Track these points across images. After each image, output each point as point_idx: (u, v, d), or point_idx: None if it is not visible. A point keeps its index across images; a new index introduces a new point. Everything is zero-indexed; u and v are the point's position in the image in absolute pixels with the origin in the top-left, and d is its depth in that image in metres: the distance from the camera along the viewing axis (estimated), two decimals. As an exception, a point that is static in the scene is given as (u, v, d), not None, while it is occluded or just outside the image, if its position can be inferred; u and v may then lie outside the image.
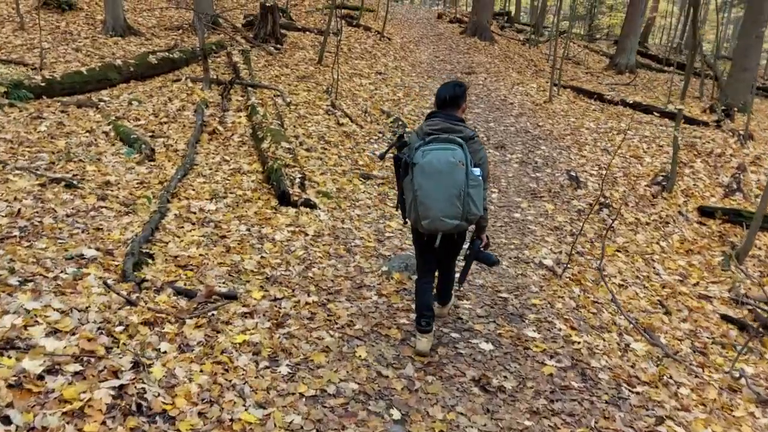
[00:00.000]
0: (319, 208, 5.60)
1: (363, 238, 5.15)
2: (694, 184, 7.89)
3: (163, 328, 3.00)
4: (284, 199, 5.50)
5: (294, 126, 7.64)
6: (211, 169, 6.05)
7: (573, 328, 3.82)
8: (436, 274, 3.44)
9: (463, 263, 3.48)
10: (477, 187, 2.89)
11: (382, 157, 3.47)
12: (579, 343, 3.57)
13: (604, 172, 7.86)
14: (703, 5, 27.36)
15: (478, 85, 12.23)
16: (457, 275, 3.61)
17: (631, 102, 11.48)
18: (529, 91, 11.98)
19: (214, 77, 8.65)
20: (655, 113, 11.06)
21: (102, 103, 7.30)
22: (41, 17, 10.35)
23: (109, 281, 3.31)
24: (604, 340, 3.75)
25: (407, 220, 3.14)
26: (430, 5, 40.58)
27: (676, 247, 6.23)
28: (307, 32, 12.94)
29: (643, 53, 20.41)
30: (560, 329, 3.75)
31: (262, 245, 4.55)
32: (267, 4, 11.15)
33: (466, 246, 3.39)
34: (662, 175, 7.79)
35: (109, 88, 7.97)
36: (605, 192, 7.16)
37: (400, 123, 8.60)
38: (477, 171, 2.90)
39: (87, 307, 2.98)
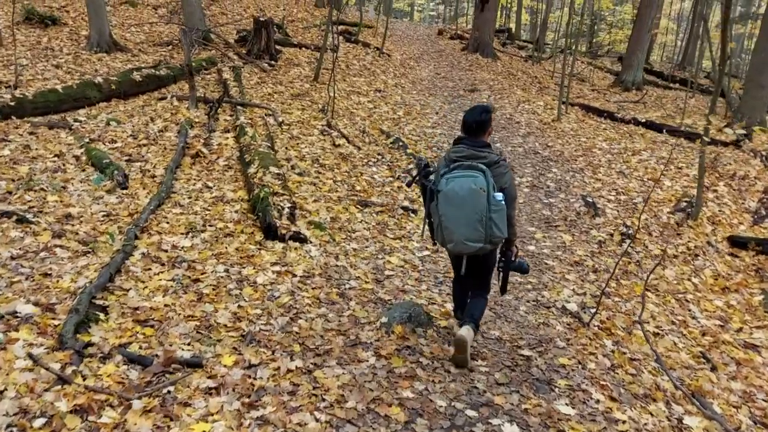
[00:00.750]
0: (310, 242, 4.96)
1: (359, 278, 4.50)
2: (720, 210, 7.26)
3: (100, 417, 2.34)
4: (270, 233, 4.86)
5: (286, 148, 7.04)
6: (190, 197, 5.42)
7: (613, 399, 3.15)
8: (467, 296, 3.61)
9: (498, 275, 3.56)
10: (499, 212, 3.00)
11: (409, 185, 3.64)
12: (624, 421, 2.90)
13: (622, 197, 7.25)
14: (702, 21, 27.04)
15: (482, 102, 11.66)
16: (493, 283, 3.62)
17: (643, 120, 10.91)
18: (536, 109, 11.42)
19: (202, 95, 8.06)
20: (673, 133, 10.48)
21: (77, 124, 6.70)
22: (22, 33, 9.82)
23: (40, 350, 2.65)
24: (651, 414, 3.08)
25: (436, 241, 3.30)
26: (430, 22, 40.42)
27: (709, 284, 5.57)
28: (304, 48, 12.42)
29: (647, 70, 19.95)
30: (598, 401, 3.09)
31: (241, 290, 3.91)
32: (261, 19, 10.63)
33: (499, 261, 3.49)
34: (686, 201, 7.16)
35: (87, 108, 7.38)
36: (626, 220, 6.53)
37: (401, 144, 8.00)
38: (499, 196, 3.02)
39: (1, 392, 2.32)
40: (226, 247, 4.58)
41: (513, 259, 3.42)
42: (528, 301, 4.53)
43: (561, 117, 10.63)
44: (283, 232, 4.86)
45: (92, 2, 9.57)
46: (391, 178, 7.03)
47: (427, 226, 3.41)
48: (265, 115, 7.83)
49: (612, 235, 6.19)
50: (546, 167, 8.14)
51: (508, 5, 35.83)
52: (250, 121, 7.38)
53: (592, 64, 19.90)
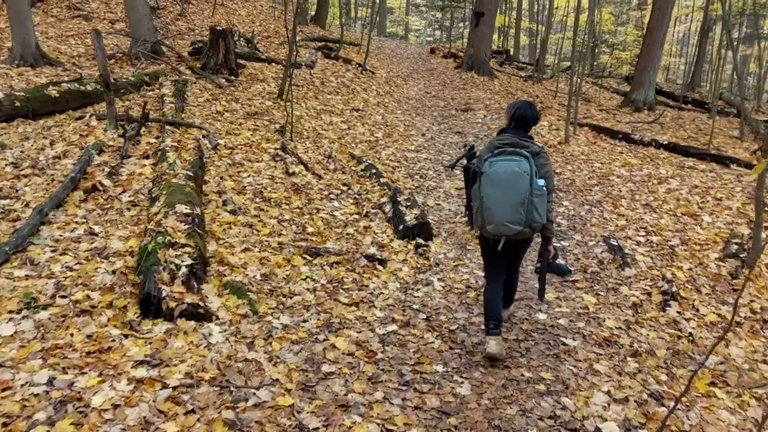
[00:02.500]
0: (216, 318, 3.35)
1: (276, 384, 2.88)
2: (781, 254, 5.64)
3: None
4: (150, 307, 3.24)
5: (221, 177, 5.47)
6: (55, 250, 3.81)
7: None
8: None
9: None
10: (541, 197, 3.04)
11: (452, 167, 3.89)
12: None
13: (654, 238, 5.64)
14: (708, 41, 25.82)
15: (477, 123, 10.15)
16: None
17: (665, 142, 9.37)
18: (539, 129, 9.88)
19: (124, 114, 6.51)
20: (702, 156, 8.92)
21: (-55, 149, 5.15)
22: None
23: None
24: None
25: (473, 226, 3.29)
26: (428, 44, 39.36)
27: (796, 369, 3.91)
28: (275, 64, 10.96)
29: (657, 90, 18.55)
30: None
31: (53, 425, 2.27)
32: (218, 29, 9.18)
33: (536, 263, 3.46)
34: (736, 243, 5.54)
35: (-24, 128, 5.84)
36: (664, 271, 4.91)
37: (374, 171, 6.43)
38: (541, 182, 3.06)
39: None
40: (74, 333, 2.97)
41: (551, 259, 3.31)
42: (541, 419, 2.88)
43: (569, 139, 9.10)
44: (172, 305, 3.25)
45: (15, 9, 8.12)
46: (356, 216, 5.45)
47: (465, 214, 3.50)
48: (202, 136, 6.27)
49: (650, 294, 4.56)
50: (555, 199, 6.56)
51: (506, 27, 34.81)
52: (177, 143, 5.82)
53: (597, 84, 18.51)
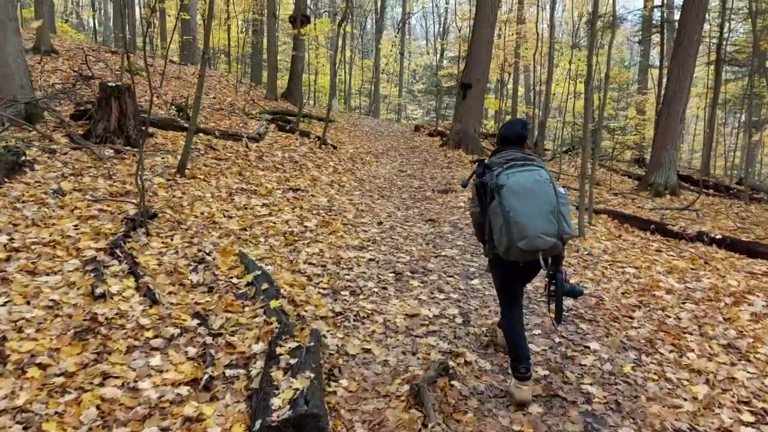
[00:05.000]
0: None
1: None
2: None
3: None
4: None
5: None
6: None
7: None
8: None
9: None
10: (566, 205, 2.82)
11: (465, 185, 3.16)
12: None
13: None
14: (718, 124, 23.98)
15: (457, 207, 7.60)
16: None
17: (718, 237, 6.75)
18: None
19: None
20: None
21: None
22: None
23: None
24: None
25: (492, 253, 2.94)
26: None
27: None
28: (203, 134, 8.64)
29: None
30: None
31: None
32: (110, 85, 6.91)
33: (547, 286, 3.04)
34: None
35: None
36: None
37: (267, 289, 3.77)
38: (563, 190, 2.84)
39: None
40: None
41: (564, 282, 3.02)
42: None
43: (585, 230, 6.49)
44: None
45: None
46: (188, 389, 2.72)
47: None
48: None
49: None
50: (572, 339, 3.84)
51: (502, 113, 33.59)
52: None
53: (605, 166, 16.27)
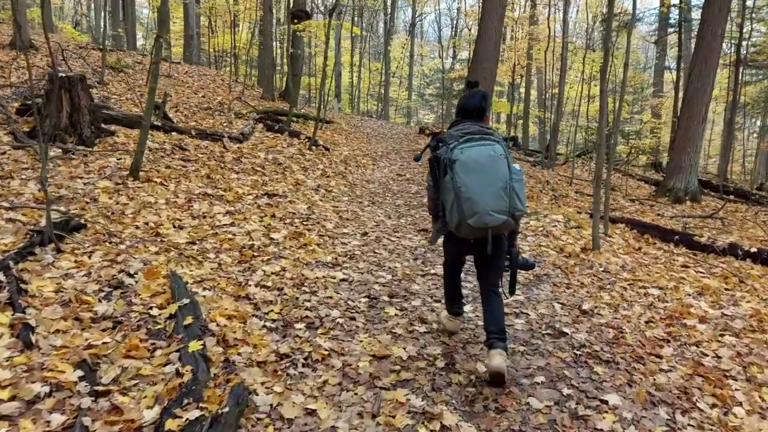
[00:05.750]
0: None
1: None
2: None
3: None
4: None
5: None
6: None
7: None
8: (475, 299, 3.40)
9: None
10: (519, 182, 2.77)
11: (418, 159, 3.09)
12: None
13: None
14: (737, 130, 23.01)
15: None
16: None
17: (753, 251, 5.84)
18: (550, 227, 6.46)
19: None
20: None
21: None
22: None
23: None
24: None
25: (446, 229, 2.89)
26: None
27: None
28: (176, 133, 7.89)
29: (693, 178, 15.23)
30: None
31: None
32: (60, 75, 6.17)
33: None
34: None
35: None
36: None
37: (191, 322, 2.96)
38: (518, 166, 2.81)
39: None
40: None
41: (517, 255, 3.10)
42: None
43: (599, 243, 5.61)
44: None
45: None
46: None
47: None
48: None
49: None
50: (585, 386, 2.98)
51: (515, 116, 32.61)
52: None
53: (620, 171, 15.31)
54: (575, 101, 23.84)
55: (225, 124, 9.71)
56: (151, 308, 3.18)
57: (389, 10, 33.38)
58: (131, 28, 23.67)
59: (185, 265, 3.90)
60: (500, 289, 3.03)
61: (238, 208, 5.57)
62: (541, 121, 29.14)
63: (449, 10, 40.18)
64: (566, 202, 9.09)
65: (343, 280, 4.21)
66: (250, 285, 3.78)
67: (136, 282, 3.45)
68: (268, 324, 3.27)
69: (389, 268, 4.63)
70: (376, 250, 5.12)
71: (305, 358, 2.96)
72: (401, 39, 38.92)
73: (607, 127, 16.40)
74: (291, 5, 15.38)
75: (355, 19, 33.36)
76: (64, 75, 6.18)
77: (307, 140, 9.86)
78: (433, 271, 4.67)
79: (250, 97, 14.54)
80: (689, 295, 4.48)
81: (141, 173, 5.71)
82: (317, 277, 4.13)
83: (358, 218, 6.35)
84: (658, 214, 9.22)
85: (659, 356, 3.35)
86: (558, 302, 4.08)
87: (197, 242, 4.42)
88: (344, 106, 30.81)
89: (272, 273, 4.07)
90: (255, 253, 4.43)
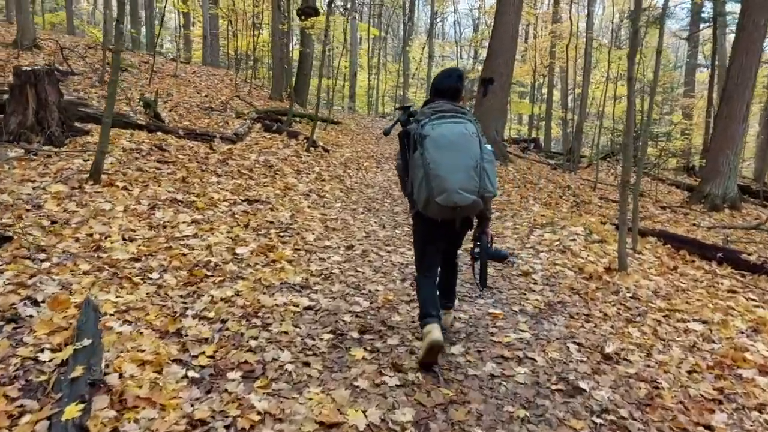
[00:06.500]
0: None
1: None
2: None
3: None
4: None
5: None
6: None
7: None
8: (439, 270, 3.04)
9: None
10: (490, 163, 2.68)
11: (387, 132, 2.93)
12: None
13: None
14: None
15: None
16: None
17: (814, 271, 4.91)
18: (567, 240, 5.60)
19: None
20: None
21: None
22: None
23: None
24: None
25: (415, 204, 2.75)
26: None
27: None
28: (168, 134, 7.26)
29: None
30: None
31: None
32: (25, 69, 5.56)
33: (472, 249, 3.01)
34: None
35: None
36: None
37: (73, 379, 2.25)
38: (489, 147, 2.73)
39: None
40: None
41: (489, 244, 2.95)
42: None
43: (627, 262, 4.74)
44: None
45: None
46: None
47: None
48: None
49: None
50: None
51: (537, 118, 31.51)
52: None
53: (649, 175, 14.28)
54: (600, 102, 22.72)
55: (221, 124, 9.07)
56: (41, 351, 2.47)
57: (408, 11, 32.65)
58: (149, 29, 23.44)
59: (115, 290, 3.19)
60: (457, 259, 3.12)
61: (207, 217, 4.86)
62: (564, 122, 28.01)
63: (470, 10, 39.26)
64: (588, 209, 8.21)
65: (308, 308, 3.46)
66: (186, 316, 3.05)
67: (39, 313, 2.76)
68: (191, 373, 2.54)
69: (369, 292, 3.85)
70: (359, 268, 4.36)
71: (227, 427, 2.21)
72: (421, 40, 38.17)
73: (635, 127, 15.37)
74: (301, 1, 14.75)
75: (374, 20, 32.69)
76: (29, 69, 5.57)
77: (305, 141, 9.14)
78: (424, 296, 3.88)
79: (257, 97, 13.93)
80: (742, 332, 3.61)
81: (103, 176, 5.06)
82: (276, 305, 3.38)
83: (346, 228, 5.60)
84: (694, 224, 8.27)
85: (710, 428, 2.51)
86: (574, 342, 3.25)
87: (143, 258, 3.72)
88: (361, 108, 30.13)
89: (221, 299, 3.33)
90: (208, 273, 3.71)
